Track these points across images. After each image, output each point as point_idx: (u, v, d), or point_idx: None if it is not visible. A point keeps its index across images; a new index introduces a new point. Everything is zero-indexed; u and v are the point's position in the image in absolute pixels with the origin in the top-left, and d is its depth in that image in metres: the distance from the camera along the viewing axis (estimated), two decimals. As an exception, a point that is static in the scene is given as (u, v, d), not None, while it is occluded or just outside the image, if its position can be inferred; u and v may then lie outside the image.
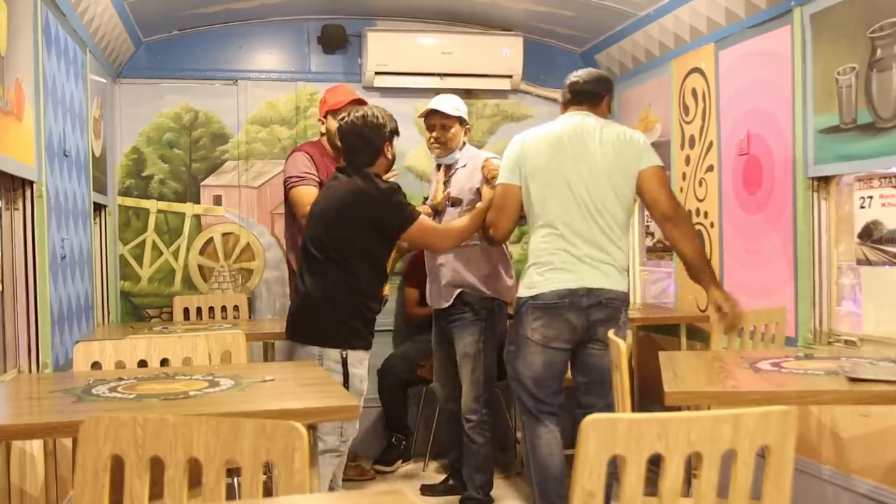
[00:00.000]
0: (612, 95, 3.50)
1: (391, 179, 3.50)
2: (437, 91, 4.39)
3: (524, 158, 3.28)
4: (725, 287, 3.63)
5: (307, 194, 3.83)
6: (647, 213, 4.64)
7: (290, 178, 4.02)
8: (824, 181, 3.53)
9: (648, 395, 4.53)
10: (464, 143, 3.97)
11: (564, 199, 3.21)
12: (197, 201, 4.95)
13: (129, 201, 4.88)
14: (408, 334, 5.03)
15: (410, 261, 4.95)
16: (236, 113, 4.98)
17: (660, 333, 4.60)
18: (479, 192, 3.84)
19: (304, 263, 3.34)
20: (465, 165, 3.93)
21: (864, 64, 3.19)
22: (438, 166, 4.07)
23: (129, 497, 1.55)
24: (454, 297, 3.88)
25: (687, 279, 4.41)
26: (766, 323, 3.42)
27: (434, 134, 3.91)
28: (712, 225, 4.22)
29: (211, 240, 4.97)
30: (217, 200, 4.98)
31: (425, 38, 5.05)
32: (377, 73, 4.95)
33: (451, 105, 3.90)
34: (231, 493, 1.77)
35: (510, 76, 5.13)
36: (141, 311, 4.87)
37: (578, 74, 3.41)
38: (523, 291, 3.28)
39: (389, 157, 3.39)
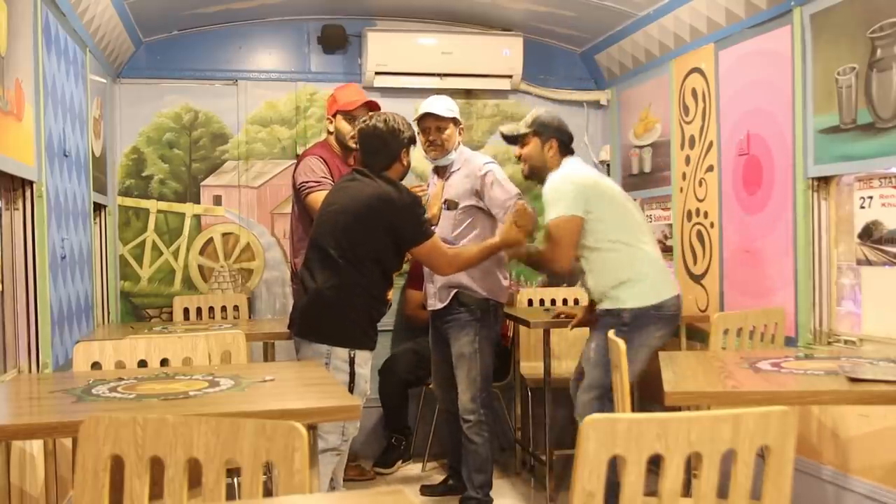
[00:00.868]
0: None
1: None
2: (438, 91, 4.39)
3: (584, 189, 3.48)
4: (725, 286, 3.63)
5: None
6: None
7: (307, 182, 3.97)
8: (824, 181, 3.53)
9: (648, 395, 4.53)
10: (458, 143, 3.98)
11: (639, 219, 3.61)
12: (197, 201, 4.95)
13: (129, 201, 4.88)
14: (408, 335, 5.03)
15: (414, 263, 4.95)
16: (236, 113, 4.98)
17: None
18: (476, 195, 3.85)
19: (314, 261, 3.32)
20: (459, 169, 3.93)
21: (864, 64, 3.19)
22: (435, 171, 4.08)
23: (129, 497, 1.55)
24: (449, 297, 3.89)
25: (686, 280, 4.43)
26: (765, 323, 3.42)
27: (430, 137, 3.91)
28: (712, 225, 4.22)
29: (211, 240, 4.97)
30: (217, 200, 4.98)
31: (425, 38, 5.05)
32: (377, 73, 4.95)
33: (445, 106, 3.91)
34: (231, 493, 1.77)
35: (510, 76, 5.13)
36: (141, 311, 4.87)
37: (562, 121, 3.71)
38: (639, 302, 3.40)
39: (405, 163, 3.42)
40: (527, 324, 4.18)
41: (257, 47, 5.06)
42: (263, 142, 5.02)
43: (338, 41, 5.03)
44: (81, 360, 2.82)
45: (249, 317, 4.85)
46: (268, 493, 1.65)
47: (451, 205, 3.91)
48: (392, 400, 4.79)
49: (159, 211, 4.91)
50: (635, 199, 5.10)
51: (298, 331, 3.34)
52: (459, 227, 3.89)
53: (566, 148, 3.66)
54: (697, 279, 4.36)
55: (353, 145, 3.90)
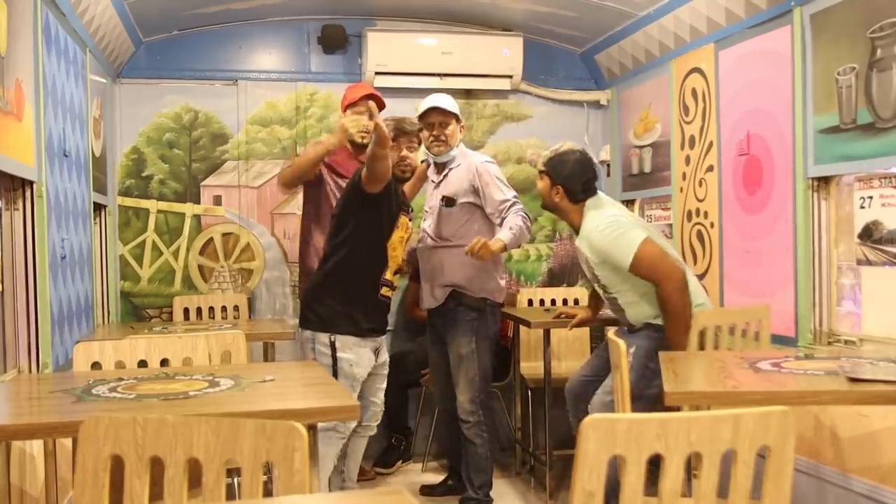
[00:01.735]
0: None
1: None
2: (438, 91, 4.40)
3: (628, 222, 3.52)
4: (725, 287, 3.63)
5: None
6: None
7: None
8: (824, 181, 3.53)
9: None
10: (459, 141, 3.99)
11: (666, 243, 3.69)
12: (197, 201, 4.95)
13: (129, 201, 4.88)
14: (409, 335, 5.03)
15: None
16: (236, 113, 4.98)
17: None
18: (474, 192, 3.86)
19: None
20: (458, 165, 3.94)
21: (864, 64, 3.19)
22: (435, 167, 4.08)
23: (129, 497, 1.55)
24: (445, 296, 3.90)
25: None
26: (747, 321, 3.38)
27: (434, 132, 3.92)
28: (712, 225, 4.22)
29: (211, 240, 4.97)
30: (217, 200, 4.98)
31: (425, 38, 5.05)
32: (377, 73, 4.95)
33: (448, 102, 3.94)
34: (231, 493, 1.77)
35: (510, 76, 5.13)
36: (141, 311, 4.87)
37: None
38: None
39: (394, 157, 3.52)
40: (527, 324, 4.19)
41: (257, 47, 5.06)
42: (263, 142, 5.01)
43: (338, 41, 5.03)
44: (81, 360, 2.82)
45: (249, 317, 4.85)
46: (268, 493, 1.65)
47: (449, 201, 3.91)
48: (392, 400, 4.76)
49: (159, 211, 4.91)
50: (635, 200, 5.13)
51: (300, 322, 3.59)
52: (459, 224, 3.89)
53: (579, 195, 3.58)
54: (697, 279, 4.35)
55: (360, 140, 3.96)
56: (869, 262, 3.35)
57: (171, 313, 4.78)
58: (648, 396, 3.23)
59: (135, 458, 1.54)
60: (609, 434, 1.56)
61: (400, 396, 4.80)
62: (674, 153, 4.57)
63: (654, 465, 1.61)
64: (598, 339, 5.03)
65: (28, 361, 3.03)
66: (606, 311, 3.88)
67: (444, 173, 3.98)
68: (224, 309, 4.78)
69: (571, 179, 3.57)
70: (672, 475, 1.59)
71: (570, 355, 4.96)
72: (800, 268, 3.59)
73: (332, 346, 3.39)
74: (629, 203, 5.05)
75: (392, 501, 1.30)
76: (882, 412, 3.11)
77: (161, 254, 4.91)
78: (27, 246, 3.05)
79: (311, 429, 2.06)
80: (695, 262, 4.39)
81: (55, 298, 3.26)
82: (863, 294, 3.44)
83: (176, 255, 4.93)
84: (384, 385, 3.67)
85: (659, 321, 3.45)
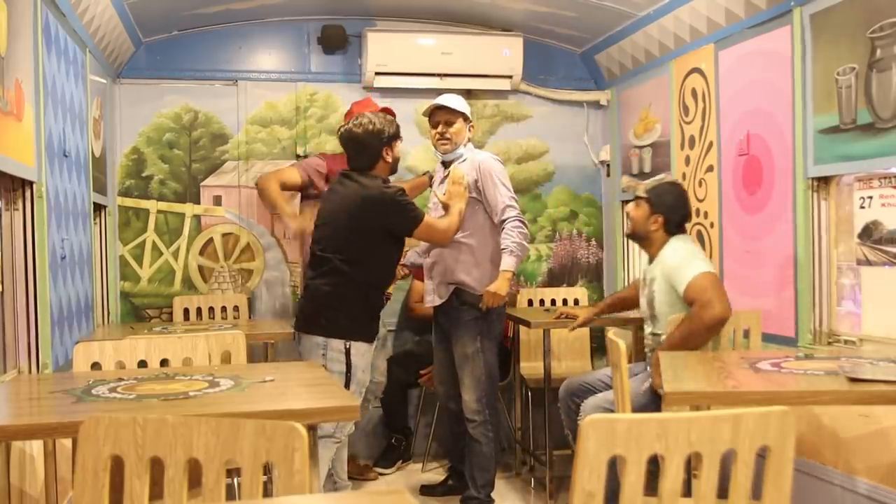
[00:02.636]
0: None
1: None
2: (438, 91, 4.42)
3: (708, 261, 3.56)
4: (726, 286, 3.62)
5: None
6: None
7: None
8: (824, 181, 3.53)
9: (648, 396, 4.52)
10: (468, 140, 4.01)
11: None
12: (197, 201, 4.95)
13: (129, 201, 4.88)
14: (410, 336, 5.03)
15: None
16: (236, 113, 4.98)
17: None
18: (477, 189, 3.86)
19: (314, 264, 3.53)
20: (464, 160, 3.96)
21: (863, 64, 3.19)
22: (443, 165, 4.09)
23: (129, 497, 1.55)
24: (448, 294, 3.90)
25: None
26: (734, 327, 3.42)
27: (439, 129, 3.94)
28: (712, 225, 4.22)
29: (211, 240, 4.97)
30: (217, 201, 4.98)
31: (425, 38, 5.05)
32: (377, 74, 4.95)
33: (455, 101, 3.97)
34: (231, 493, 1.77)
35: (510, 76, 5.13)
36: (141, 311, 4.87)
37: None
38: None
39: (390, 160, 3.57)
40: (527, 324, 4.19)
41: (257, 47, 5.06)
42: (263, 142, 5.01)
43: (338, 41, 5.03)
44: (81, 360, 2.82)
45: (249, 317, 4.85)
46: (267, 493, 1.65)
47: None
48: (392, 400, 4.79)
49: (159, 211, 4.91)
50: (635, 200, 5.12)
51: (298, 325, 3.54)
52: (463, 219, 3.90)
53: (674, 227, 3.62)
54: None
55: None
56: (869, 263, 3.35)
57: (171, 313, 4.78)
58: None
59: (135, 459, 1.55)
60: (609, 434, 1.56)
61: (400, 397, 4.81)
62: (674, 153, 4.57)
63: (654, 465, 1.61)
64: (598, 340, 5.03)
65: (28, 362, 3.02)
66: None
67: (448, 169, 3.99)
68: (224, 309, 4.78)
69: (673, 210, 3.63)
70: (672, 475, 1.59)
71: (570, 355, 4.96)
72: (800, 268, 3.59)
73: (347, 352, 3.40)
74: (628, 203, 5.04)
75: (392, 501, 1.30)
76: (882, 412, 3.11)
77: (161, 254, 4.91)
78: (27, 246, 3.05)
79: (311, 429, 2.06)
80: (695, 263, 4.39)
81: (55, 299, 3.26)
82: (863, 294, 3.44)
83: (176, 255, 4.93)
84: None
85: None
